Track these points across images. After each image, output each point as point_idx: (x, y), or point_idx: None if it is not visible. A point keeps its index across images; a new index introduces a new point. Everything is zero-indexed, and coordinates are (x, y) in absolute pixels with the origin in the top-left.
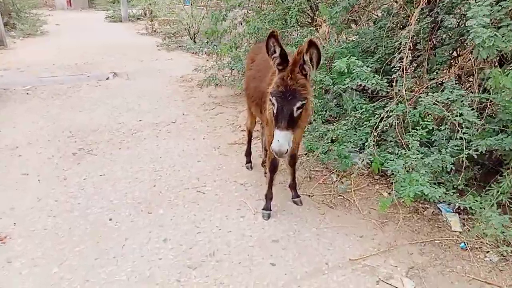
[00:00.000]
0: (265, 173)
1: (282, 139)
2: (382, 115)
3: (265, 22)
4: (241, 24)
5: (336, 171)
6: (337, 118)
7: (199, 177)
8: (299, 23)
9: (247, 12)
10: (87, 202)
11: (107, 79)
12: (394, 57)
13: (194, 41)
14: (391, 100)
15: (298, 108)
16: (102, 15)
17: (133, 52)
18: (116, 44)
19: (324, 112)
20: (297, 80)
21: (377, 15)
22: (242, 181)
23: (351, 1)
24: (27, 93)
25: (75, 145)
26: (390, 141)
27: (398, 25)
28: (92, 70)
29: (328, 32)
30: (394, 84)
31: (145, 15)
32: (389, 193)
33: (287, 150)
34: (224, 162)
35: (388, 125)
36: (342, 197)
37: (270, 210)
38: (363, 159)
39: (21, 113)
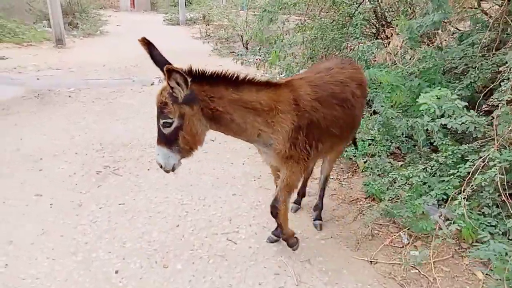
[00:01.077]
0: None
1: (157, 152)
2: (476, 164)
3: (321, 31)
4: (296, 31)
5: (407, 228)
6: (406, 152)
7: (231, 218)
8: (363, 34)
9: (304, 20)
10: (96, 242)
11: (151, 84)
12: (495, 85)
13: (246, 48)
14: (488, 143)
15: (165, 125)
16: (161, 18)
17: (183, 56)
18: (168, 47)
19: (389, 144)
20: (161, 97)
21: (458, 29)
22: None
23: (444, 15)
24: (69, 96)
25: (101, 161)
26: (486, 198)
27: (496, 42)
28: (138, 74)
29: (400, 46)
30: (494, 121)
31: (203, 18)
32: (486, 274)
33: (165, 165)
34: (264, 198)
35: (488, 180)
36: (417, 270)
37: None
38: (449, 223)
39: (57, 118)
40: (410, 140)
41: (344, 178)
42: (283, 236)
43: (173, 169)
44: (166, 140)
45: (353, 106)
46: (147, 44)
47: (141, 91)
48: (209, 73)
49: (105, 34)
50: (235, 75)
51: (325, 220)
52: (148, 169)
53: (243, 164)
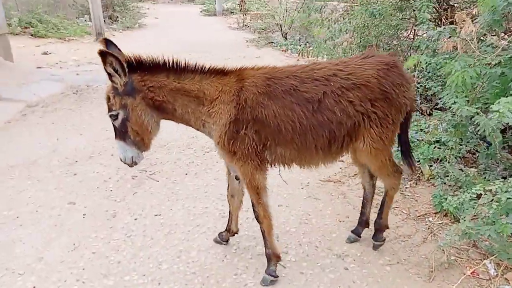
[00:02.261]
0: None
1: (117, 146)
2: None
3: (374, 17)
4: (343, 18)
5: (494, 256)
6: (485, 158)
7: (278, 235)
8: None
9: (351, 5)
10: (130, 262)
11: None
12: None
13: (285, 38)
14: None
15: (113, 118)
16: (198, 8)
17: (220, 47)
18: (205, 38)
19: (460, 147)
20: (107, 93)
21: None
22: (341, 249)
23: None
24: None
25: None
26: None
27: None
28: None
29: (475, 32)
30: None
31: (240, 8)
32: None
33: (124, 158)
34: (314, 211)
35: None
36: None
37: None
38: None
39: (94, 116)
40: (483, 142)
41: (406, 188)
42: (266, 249)
43: (134, 163)
44: (120, 133)
45: (329, 110)
46: (105, 43)
47: None
48: (149, 61)
49: (143, 27)
50: (178, 62)
51: (388, 239)
52: (186, 174)
53: None
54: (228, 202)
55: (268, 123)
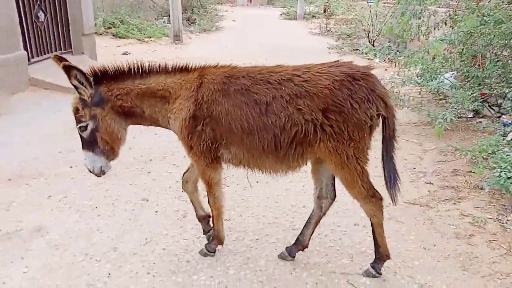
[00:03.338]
0: None
1: (84, 157)
2: None
3: (484, 24)
4: (445, 23)
5: None
6: None
7: (353, 255)
8: None
9: (455, 11)
10: (198, 263)
11: None
12: None
13: (373, 45)
14: None
15: (82, 130)
16: (278, 12)
17: (300, 53)
18: (283, 43)
19: None
20: (75, 105)
21: None
22: (425, 279)
23: None
24: None
25: None
26: None
27: None
28: None
29: None
30: None
31: (324, 12)
32: None
33: (93, 169)
34: (395, 234)
35: None
36: None
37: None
38: None
39: None
40: None
41: (508, 220)
42: (213, 232)
43: (102, 172)
44: (88, 144)
45: (274, 114)
46: (60, 60)
47: None
48: (113, 70)
49: (220, 30)
50: (142, 66)
51: (482, 275)
52: (257, 182)
53: None
54: (183, 188)
55: (221, 120)
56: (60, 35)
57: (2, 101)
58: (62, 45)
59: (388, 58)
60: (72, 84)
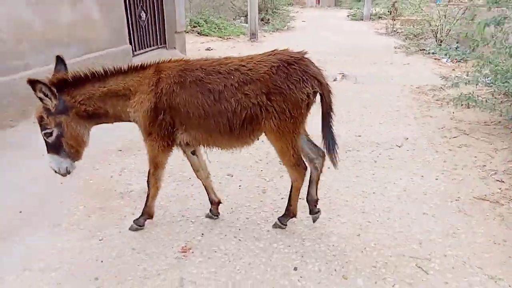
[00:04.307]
0: None
1: (49, 160)
2: None
3: None
4: None
5: None
6: None
7: (421, 242)
8: None
9: None
10: (277, 233)
11: (334, 80)
12: None
13: (440, 45)
14: None
15: (47, 136)
16: (345, 13)
17: (366, 52)
18: (350, 43)
19: None
20: (39, 113)
21: None
22: (495, 272)
23: None
24: None
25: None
26: None
27: None
28: (321, 69)
29: None
30: None
31: (390, 13)
32: None
33: (59, 170)
34: (464, 227)
35: None
36: None
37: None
38: None
39: None
40: None
41: None
42: (145, 207)
43: (68, 172)
44: (53, 148)
45: (226, 100)
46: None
47: None
48: (72, 77)
49: (291, 29)
50: (98, 71)
51: None
52: (328, 168)
53: (437, 179)
54: (197, 177)
55: (179, 109)
56: (157, 32)
57: None
58: (158, 41)
59: (455, 59)
60: (38, 97)
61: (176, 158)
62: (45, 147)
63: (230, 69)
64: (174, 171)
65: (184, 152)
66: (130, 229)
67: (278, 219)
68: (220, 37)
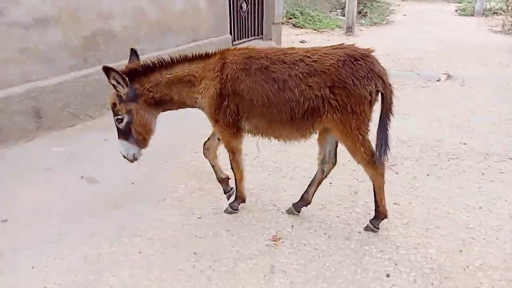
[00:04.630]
0: None
1: (119, 145)
2: None
3: None
4: None
5: None
6: None
7: None
8: None
9: None
10: (369, 236)
11: (437, 81)
12: None
13: None
14: None
15: (118, 122)
16: (452, 7)
17: (477, 52)
18: (458, 40)
19: None
20: (111, 99)
21: None
22: None
23: None
24: None
25: None
26: None
27: None
28: (423, 68)
29: None
30: None
31: (508, 8)
32: None
33: (127, 155)
34: None
35: None
36: None
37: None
38: None
39: None
40: None
41: None
42: (237, 192)
43: (135, 159)
44: (123, 134)
45: (290, 90)
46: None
47: (425, 86)
48: (142, 67)
49: (391, 24)
50: (165, 59)
51: None
52: (428, 174)
53: None
54: (204, 155)
55: (243, 96)
56: (256, 22)
57: None
58: (256, 32)
59: None
60: (111, 84)
61: (269, 148)
62: (116, 133)
63: (295, 59)
64: (267, 161)
65: (215, 134)
66: (225, 211)
67: (370, 221)
68: (315, 30)
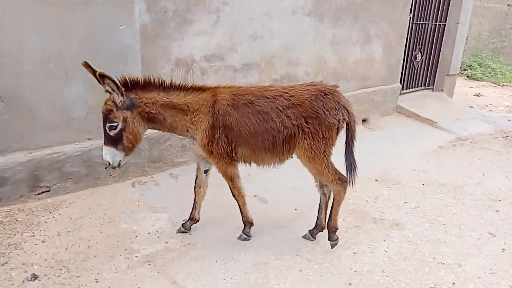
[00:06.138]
0: None
1: (105, 152)
2: None
3: None
4: None
5: None
6: None
7: None
8: None
9: None
10: None
11: None
12: None
13: None
14: None
15: (110, 128)
16: None
17: None
18: None
19: None
20: (106, 106)
21: None
22: None
23: None
24: None
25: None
26: None
27: None
28: None
29: None
30: None
31: None
32: None
33: (112, 162)
34: None
35: None
36: None
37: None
38: None
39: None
40: None
41: None
42: (242, 218)
43: (119, 165)
44: (112, 140)
45: (272, 120)
46: (88, 67)
47: None
48: (143, 81)
49: None
50: (165, 82)
51: None
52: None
53: None
54: (195, 192)
55: (232, 128)
56: (428, 73)
57: (375, 120)
58: (427, 82)
59: None
60: (106, 90)
61: (432, 200)
62: (104, 139)
63: (276, 94)
64: (427, 212)
65: (199, 168)
66: (238, 238)
67: (328, 240)
68: (494, 83)
